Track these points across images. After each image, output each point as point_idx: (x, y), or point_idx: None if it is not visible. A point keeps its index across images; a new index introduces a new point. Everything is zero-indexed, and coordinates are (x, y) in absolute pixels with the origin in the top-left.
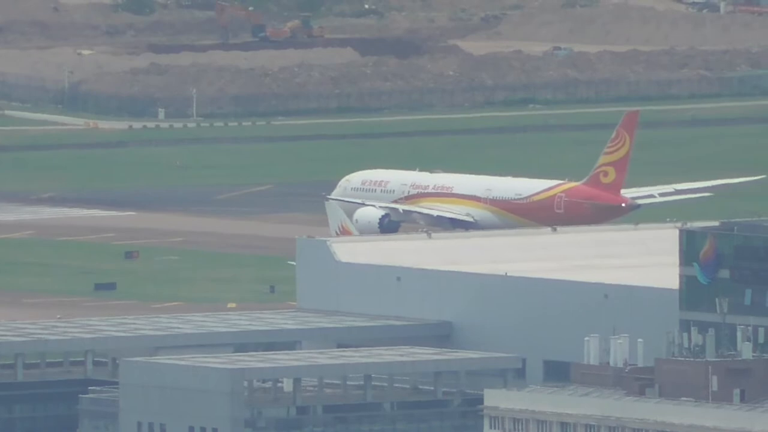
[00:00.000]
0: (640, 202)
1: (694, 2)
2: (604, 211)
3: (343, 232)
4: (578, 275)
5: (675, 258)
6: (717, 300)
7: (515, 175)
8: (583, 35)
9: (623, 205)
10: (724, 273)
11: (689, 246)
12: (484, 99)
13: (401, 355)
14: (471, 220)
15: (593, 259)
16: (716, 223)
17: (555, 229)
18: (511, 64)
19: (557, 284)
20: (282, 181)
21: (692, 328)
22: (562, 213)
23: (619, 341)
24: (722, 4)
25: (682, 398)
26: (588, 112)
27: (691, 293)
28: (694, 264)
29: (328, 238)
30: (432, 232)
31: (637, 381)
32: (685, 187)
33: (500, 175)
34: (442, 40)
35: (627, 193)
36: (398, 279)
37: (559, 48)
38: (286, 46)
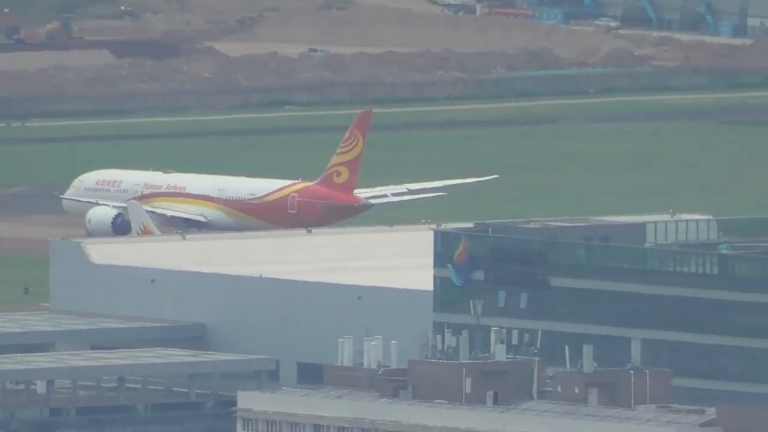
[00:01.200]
0: (373, 202)
1: (449, 4)
2: (337, 211)
3: (145, 232)
4: (332, 277)
5: (430, 259)
6: (471, 302)
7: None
8: (339, 37)
9: (356, 204)
10: (479, 275)
11: (443, 247)
12: (240, 101)
13: (155, 357)
14: (204, 220)
15: (348, 261)
16: (471, 225)
17: (310, 231)
18: (267, 66)
19: (311, 286)
20: (38, 183)
21: (446, 330)
22: (295, 213)
23: (372, 343)
24: (478, 6)
25: (436, 400)
26: (343, 113)
27: (445, 295)
28: (449, 265)
29: (82, 240)
30: (186, 234)
31: (391, 383)
32: (419, 187)
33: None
34: (198, 42)
35: (360, 193)
36: (152, 281)
37: (315, 50)
38: (42, 48)
